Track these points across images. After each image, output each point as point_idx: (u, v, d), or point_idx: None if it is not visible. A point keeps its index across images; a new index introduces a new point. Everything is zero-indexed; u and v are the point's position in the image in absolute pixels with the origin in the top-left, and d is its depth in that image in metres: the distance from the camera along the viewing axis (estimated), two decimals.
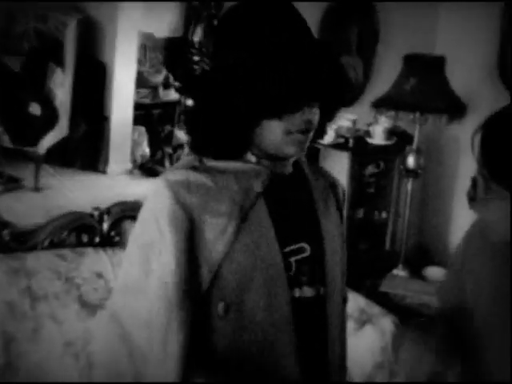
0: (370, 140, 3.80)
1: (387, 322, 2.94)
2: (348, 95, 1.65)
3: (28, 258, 2.54)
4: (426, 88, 3.68)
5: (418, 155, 3.82)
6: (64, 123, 2.99)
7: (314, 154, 3.70)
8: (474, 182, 1.41)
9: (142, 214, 1.50)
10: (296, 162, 1.59)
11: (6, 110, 2.90)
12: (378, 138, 3.78)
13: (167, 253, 1.42)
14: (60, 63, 2.95)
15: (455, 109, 3.77)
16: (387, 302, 3.19)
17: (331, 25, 3.81)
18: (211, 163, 1.50)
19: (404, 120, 3.79)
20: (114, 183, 3.07)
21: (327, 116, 1.58)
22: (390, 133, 3.82)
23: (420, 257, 4.16)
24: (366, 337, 2.88)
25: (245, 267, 1.44)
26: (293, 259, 1.50)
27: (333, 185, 1.71)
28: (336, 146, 3.65)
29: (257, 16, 1.47)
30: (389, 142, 3.81)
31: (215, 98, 1.46)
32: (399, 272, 3.83)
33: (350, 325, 2.87)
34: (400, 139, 3.89)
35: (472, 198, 1.39)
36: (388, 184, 3.97)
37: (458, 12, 4.16)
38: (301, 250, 1.52)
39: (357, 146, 3.67)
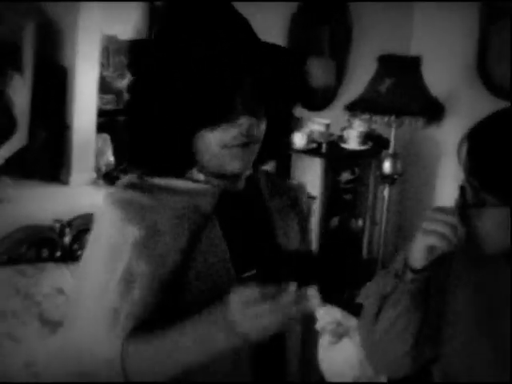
0: (344, 145, 3.84)
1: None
2: (298, 104, 1.54)
3: None
4: (402, 90, 3.73)
5: (395, 160, 3.86)
6: (23, 132, 2.98)
7: (285, 161, 3.72)
8: (463, 190, 1.40)
9: (92, 241, 1.44)
10: (252, 176, 1.53)
11: None
12: (352, 142, 3.82)
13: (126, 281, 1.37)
14: (18, 68, 2.94)
15: (433, 111, 3.82)
16: None
17: (301, 24, 3.85)
18: (154, 181, 1.45)
19: (379, 123, 3.82)
20: (77, 194, 3.05)
21: (278, 129, 1.48)
22: (365, 137, 3.86)
23: None
24: (344, 350, 2.90)
25: (198, 293, 1.40)
26: None
27: (295, 197, 1.63)
28: (308, 151, 3.68)
29: (189, 15, 1.40)
30: (364, 147, 3.85)
31: (145, 105, 1.40)
32: None
33: (327, 338, 2.88)
34: (375, 143, 3.93)
35: (462, 207, 1.39)
36: (364, 191, 4.01)
37: (433, 11, 4.21)
38: (257, 276, 1.46)
39: (330, 151, 3.70)
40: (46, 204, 2.94)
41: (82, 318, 1.39)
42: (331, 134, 3.83)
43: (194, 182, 1.45)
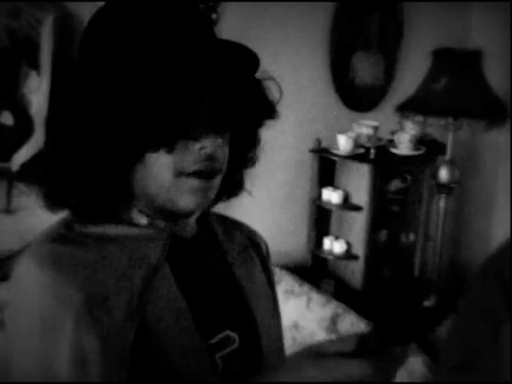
0: (394, 150, 3.85)
1: (417, 363, 2.93)
2: (263, 121, 1.31)
3: (0, 288, 2.58)
4: (461, 88, 3.73)
5: (452, 167, 3.87)
6: (40, 134, 3.04)
7: (328, 167, 3.74)
8: None
9: (17, 314, 1.21)
10: (202, 218, 1.37)
11: None
12: (403, 147, 3.83)
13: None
14: (35, 65, 3.01)
15: (495, 112, 3.80)
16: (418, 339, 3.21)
17: (347, 16, 3.90)
18: (87, 230, 1.24)
19: (434, 126, 3.83)
20: None
21: (240, 155, 1.32)
22: (418, 141, 3.87)
23: (455, 286, 4.17)
24: (397, 379, 2.90)
25: (157, 367, 1.22)
26: (218, 356, 1.28)
27: (253, 241, 1.50)
28: (355, 157, 3.69)
29: (128, 16, 1.24)
30: (416, 152, 3.86)
31: (70, 128, 1.20)
32: (430, 303, 3.85)
33: None
34: (430, 149, 3.93)
35: None
36: (416, 201, 4.03)
37: (494, 1, 4.19)
38: (227, 341, 1.31)
39: (379, 157, 3.70)
40: (64, 213, 2.99)
41: None
42: (380, 138, 3.86)
43: (136, 227, 1.27)
